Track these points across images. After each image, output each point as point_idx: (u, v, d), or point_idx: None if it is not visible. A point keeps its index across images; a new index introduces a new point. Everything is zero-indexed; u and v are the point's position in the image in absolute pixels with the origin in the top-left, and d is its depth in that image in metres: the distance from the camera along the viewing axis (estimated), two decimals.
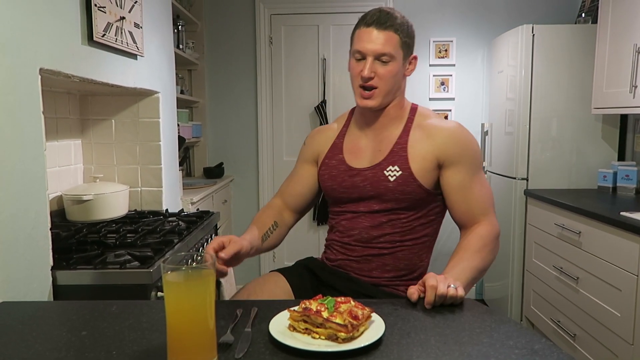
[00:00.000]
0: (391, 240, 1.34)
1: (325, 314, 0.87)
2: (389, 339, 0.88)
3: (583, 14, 3.11)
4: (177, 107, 2.53)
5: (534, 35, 2.85)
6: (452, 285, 1.03)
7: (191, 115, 3.64)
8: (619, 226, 2.00)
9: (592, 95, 2.70)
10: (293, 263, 1.49)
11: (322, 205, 3.49)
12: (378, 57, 1.28)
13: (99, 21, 1.60)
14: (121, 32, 1.77)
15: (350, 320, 0.86)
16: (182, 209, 2.28)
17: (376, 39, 1.27)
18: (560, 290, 2.50)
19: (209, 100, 3.71)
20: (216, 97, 3.71)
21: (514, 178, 2.99)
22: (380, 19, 1.28)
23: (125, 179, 2.19)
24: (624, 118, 2.90)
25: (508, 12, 3.52)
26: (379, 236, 1.34)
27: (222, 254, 1.10)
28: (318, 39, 3.62)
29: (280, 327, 0.91)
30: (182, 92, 3.28)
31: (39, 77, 1.30)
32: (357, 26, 1.33)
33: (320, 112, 3.60)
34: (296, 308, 0.91)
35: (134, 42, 1.88)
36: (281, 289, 1.35)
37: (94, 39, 1.57)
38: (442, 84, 3.60)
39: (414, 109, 1.40)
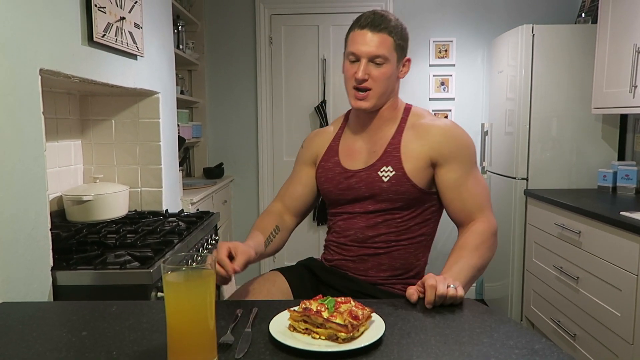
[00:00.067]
0: (387, 240, 1.35)
1: (325, 314, 0.87)
2: (389, 339, 0.88)
3: (583, 14, 3.11)
4: (177, 108, 2.53)
5: (533, 35, 2.85)
6: (451, 285, 1.04)
7: (191, 116, 3.64)
8: (619, 226, 2.01)
9: (592, 95, 2.70)
10: (293, 263, 1.50)
11: (322, 206, 3.49)
12: (372, 59, 1.29)
13: (99, 21, 1.60)
14: (121, 33, 1.77)
15: (351, 320, 0.86)
16: (182, 210, 2.28)
17: (370, 41, 1.28)
18: (561, 290, 2.50)
19: (209, 100, 3.71)
20: (216, 97, 3.71)
21: (514, 178, 2.99)
22: (374, 21, 1.29)
23: (125, 179, 2.19)
24: (624, 118, 2.90)
25: (508, 12, 3.52)
26: (374, 236, 1.35)
27: (237, 267, 1.11)
28: (318, 39, 3.62)
29: (280, 327, 0.91)
30: (182, 92, 3.28)
31: (39, 77, 1.30)
32: (351, 28, 1.34)
33: (320, 112, 3.60)
34: (296, 308, 0.91)
35: (134, 42, 1.88)
36: (279, 288, 1.35)
37: (94, 39, 1.57)
38: (442, 84, 3.60)
39: (407, 109, 1.41)
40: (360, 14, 1.34)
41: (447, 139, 1.32)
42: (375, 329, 0.89)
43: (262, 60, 3.64)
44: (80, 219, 1.87)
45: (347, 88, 1.35)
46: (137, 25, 1.90)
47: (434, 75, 3.59)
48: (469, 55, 3.58)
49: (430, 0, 3.55)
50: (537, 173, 2.94)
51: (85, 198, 1.85)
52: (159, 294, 1.39)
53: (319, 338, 0.87)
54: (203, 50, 3.61)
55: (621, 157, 2.92)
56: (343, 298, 0.93)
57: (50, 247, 1.34)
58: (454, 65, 3.58)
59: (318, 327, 0.88)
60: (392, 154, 1.33)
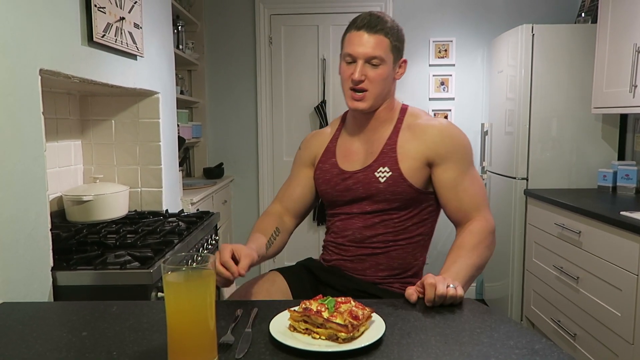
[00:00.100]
0: (384, 240, 1.35)
1: (325, 314, 0.87)
2: (389, 339, 0.88)
3: (583, 14, 3.11)
4: (177, 108, 2.53)
5: (533, 35, 2.85)
6: (451, 285, 1.04)
7: (191, 116, 3.64)
8: (619, 226, 2.01)
9: (592, 95, 2.70)
10: (293, 263, 1.50)
11: (322, 206, 3.49)
12: (368, 61, 1.29)
13: (99, 22, 1.60)
14: (121, 33, 1.77)
15: (351, 320, 0.86)
16: (182, 210, 2.28)
17: (367, 43, 1.29)
18: (561, 290, 2.50)
19: (209, 100, 3.71)
20: (216, 97, 3.71)
21: (514, 178, 2.99)
22: (370, 22, 1.29)
23: (125, 179, 2.19)
24: (623, 118, 2.90)
25: (508, 12, 3.52)
26: (372, 236, 1.35)
27: (241, 271, 1.10)
28: (318, 39, 3.62)
29: (280, 327, 0.91)
30: (182, 92, 3.28)
31: (39, 77, 1.30)
32: (347, 30, 1.34)
33: (320, 112, 3.60)
34: (296, 308, 0.91)
35: (134, 42, 1.88)
36: (278, 287, 1.35)
37: (94, 39, 1.57)
38: (442, 84, 3.60)
39: (403, 109, 1.42)
40: (360, 13, 1.35)
41: (443, 138, 1.33)
42: (375, 329, 0.89)
43: (262, 60, 3.64)
44: (81, 219, 1.87)
45: (344, 89, 1.36)
46: (136, 26, 1.90)
47: (433, 75, 3.59)
48: (468, 55, 3.58)
49: (430, 0, 3.55)
50: (537, 173, 2.94)
51: (85, 198, 1.85)
52: (159, 294, 1.39)
53: (319, 338, 0.87)
54: (203, 50, 3.61)
55: (621, 157, 2.92)
56: (343, 298, 0.93)
57: (51, 248, 1.34)
58: (453, 65, 3.58)
59: (318, 327, 0.88)
60: (388, 154, 1.34)
